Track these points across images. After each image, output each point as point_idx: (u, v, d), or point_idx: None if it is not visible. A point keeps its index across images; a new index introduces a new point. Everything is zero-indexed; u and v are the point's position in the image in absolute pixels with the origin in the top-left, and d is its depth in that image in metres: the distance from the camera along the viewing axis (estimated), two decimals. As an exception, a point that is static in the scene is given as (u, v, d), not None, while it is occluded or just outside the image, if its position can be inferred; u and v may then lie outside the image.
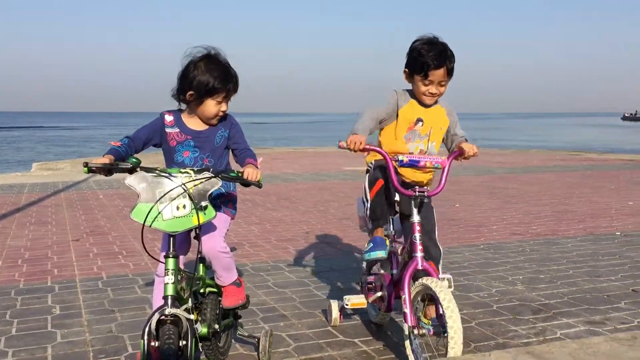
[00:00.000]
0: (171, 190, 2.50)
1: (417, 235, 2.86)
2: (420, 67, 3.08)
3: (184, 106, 2.88)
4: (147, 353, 2.38)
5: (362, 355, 3.21)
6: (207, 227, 2.74)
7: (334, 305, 3.64)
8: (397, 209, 3.40)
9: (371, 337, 3.47)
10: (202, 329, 2.77)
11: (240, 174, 2.66)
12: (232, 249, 3.54)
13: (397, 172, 3.09)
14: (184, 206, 2.50)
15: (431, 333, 2.76)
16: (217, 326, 2.88)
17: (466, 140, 3.22)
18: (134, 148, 2.74)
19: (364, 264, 3.74)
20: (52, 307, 4.05)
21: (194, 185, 2.52)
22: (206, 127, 2.86)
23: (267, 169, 14.18)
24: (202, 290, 2.94)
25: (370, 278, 3.50)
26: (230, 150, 2.96)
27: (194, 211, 2.50)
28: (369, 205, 3.28)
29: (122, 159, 2.60)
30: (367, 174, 3.38)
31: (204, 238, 2.73)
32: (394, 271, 3.25)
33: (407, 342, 2.83)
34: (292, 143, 34.78)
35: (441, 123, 3.28)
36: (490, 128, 73.85)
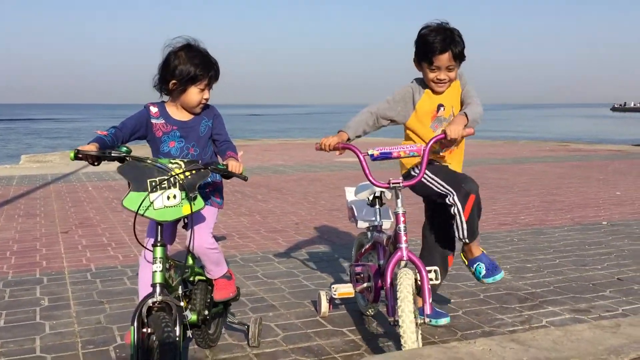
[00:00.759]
0: (163, 179, 2.53)
1: (402, 226, 2.88)
2: (425, 53, 3.06)
3: (166, 98, 2.90)
4: (138, 339, 2.39)
5: (350, 344, 3.23)
6: (194, 223, 2.75)
7: (323, 296, 3.67)
8: (384, 200, 3.43)
9: (359, 327, 3.50)
10: (192, 316, 2.83)
11: (225, 166, 2.72)
12: (221, 238, 3.57)
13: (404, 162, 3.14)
14: (174, 196, 2.54)
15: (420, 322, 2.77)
16: (206, 313, 2.92)
17: (465, 116, 2.98)
18: (121, 138, 2.74)
19: (353, 254, 3.77)
20: (41, 298, 4.05)
21: (184, 176, 2.57)
22: (191, 116, 2.89)
23: (257, 161, 14.17)
24: (191, 279, 2.98)
25: (358, 268, 3.52)
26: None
27: (184, 201, 2.55)
28: (464, 226, 3.13)
29: (108, 148, 2.61)
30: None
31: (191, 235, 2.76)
32: (381, 262, 3.27)
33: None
34: (283, 134, 34.74)
35: (459, 98, 3.22)
36: (481, 119, 74.04)
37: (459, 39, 3.06)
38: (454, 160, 3.32)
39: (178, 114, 2.88)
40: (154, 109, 2.86)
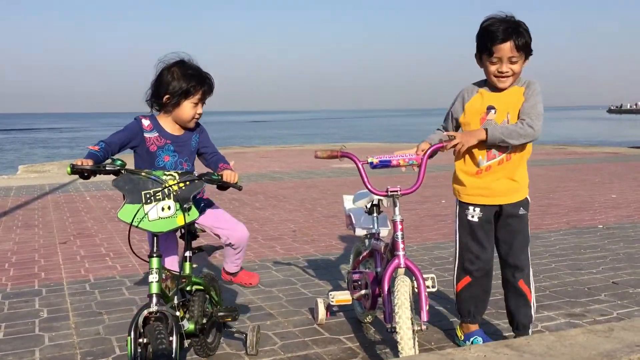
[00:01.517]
0: (157, 191, 2.57)
1: (399, 233, 2.90)
2: (485, 44, 2.88)
3: (156, 112, 2.94)
4: (134, 349, 2.42)
5: (347, 352, 3.26)
6: (218, 218, 3.02)
7: (321, 303, 3.70)
8: (380, 209, 3.46)
9: (356, 334, 3.52)
10: (190, 326, 2.86)
11: (220, 177, 2.77)
12: (219, 248, 3.61)
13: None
14: (169, 207, 2.58)
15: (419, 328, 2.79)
16: (204, 322, 2.95)
17: (485, 132, 2.87)
18: (110, 152, 2.77)
19: (350, 262, 3.80)
20: (40, 310, 4.07)
21: (179, 188, 2.60)
22: (182, 131, 2.95)
23: (254, 168, 14.21)
24: (188, 288, 3.00)
25: (356, 276, 3.55)
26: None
27: (178, 212, 2.59)
28: (455, 297, 3.20)
29: (100, 163, 2.65)
30: (456, 213, 3.20)
31: (228, 232, 3.04)
32: (378, 269, 3.30)
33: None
34: (280, 141, 34.78)
35: (520, 105, 2.96)
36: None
37: (523, 30, 2.86)
38: (505, 172, 3.04)
39: (171, 127, 2.92)
40: (145, 122, 2.89)
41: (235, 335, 3.40)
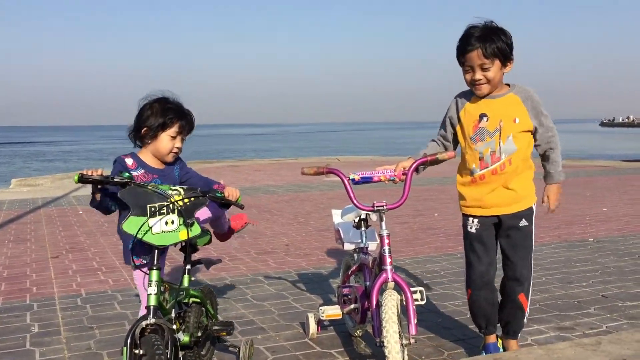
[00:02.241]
0: (162, 205, 2.61)
1: (387, 248, 2.92)
2: (458, 54, 2.91)
3: (136, 150, 2.99)
4: None
5: (338, 366, 3.27)
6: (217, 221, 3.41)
7: (311, 318, 3.71)
8: (369, 223, 3.49)
9: (347, 348, 3.54)
10: (184, 338, 2.88)
11: (222, 195, 2.83)
12: (217, 262, 3.65)
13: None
14: (172, 222, 2.61)
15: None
16: (199, 334, 2.98)
17: (547, 157, 3.05)
18: (109, 197, 2.79)
19: (340, 276, 3.82)
20: (31, 325, 4.06)
21: (183, 203, 2.65)
22: (163, 165, 2.99)
23: (248, 181, 14.22)
24: (185, 300, 3.05)
25: (345, 290, 3.56)
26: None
27: (181, 227, 2.63)
28: (469, 305, 3.20)
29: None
30: (462, 225, 3.19)
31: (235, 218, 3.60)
32: (367, 283, 3.32)
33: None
34: (273, 154, 34.83)
35: (515, 113, 2.94)
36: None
37: (496, 37, 2.83)
38: (501, 182, 3.01)
39: (154, 162, 2.95)
40: (129, 161, 2.91)
41: (229, 349, 3.41)
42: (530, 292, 3.16)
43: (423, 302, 3.11)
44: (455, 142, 3.15)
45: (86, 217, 8.98)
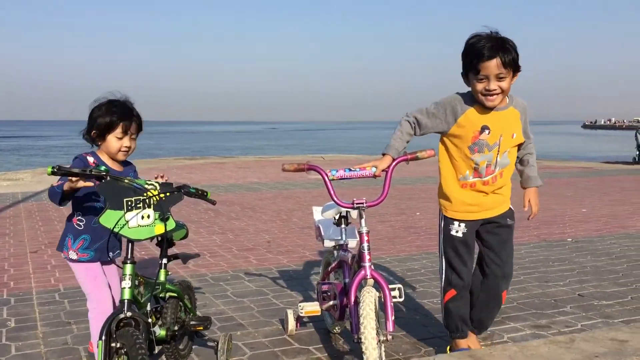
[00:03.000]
0: (139, 199, 2.63)
1: (366, 245, 2.94)
2: (471, 61, 2.81)
3: (95, 149, 3.01)
4: (106, 354, 2.46)
5: (316, 362, 3.28)
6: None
7: (290, 314, 3.72)
8: (349, 220, 3.50)
9: (325, 345, 3.55)
10: (161, 332, 2.93)
11: (196, 190, 2.88)
12: (195, 256, 3.67)
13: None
14: (148, 216, 2.65)
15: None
16: (176, 329, 3.00)
17: (525, 163, 3.14)
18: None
19: (320, 273, 3.83)
20: (7, 319, 4.02)
21: (159, 198, 2.67)
22: (121, 167, 3.01)
23: (232, 178, 14.18)
24: (162, 295, 3.07)
25: (325, 287, 3.57)
26: None
27: (157, 221, 2.66)
28: (442, 311, 3.19)
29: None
30: (440, 227, 3.18)
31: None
32: (346, 280, 3.33)
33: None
34: (258, 152, 34.75)
35: (514, 129, 2.97)
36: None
37: (509, 46, 2.79)
38: (493, 188, 3.06)
39: (111, 163, 2.97)
40: (90, 159, 2.92)
41: (208, 343, 3.42)
42: None
43: (401, 299, 3.14)
44: (429, 131, 3.06)
45: (66, 212, 8.86)
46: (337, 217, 3.50)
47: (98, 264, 2.93)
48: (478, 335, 3.30)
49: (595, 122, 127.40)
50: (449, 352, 3.26)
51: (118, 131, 2.89)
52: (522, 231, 7.20)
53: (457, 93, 3.02)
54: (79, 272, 2.94)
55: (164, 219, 2.67)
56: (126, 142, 2.93)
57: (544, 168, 17.23)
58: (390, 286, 2.95)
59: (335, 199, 3.01)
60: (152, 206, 2.65)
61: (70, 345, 3.54)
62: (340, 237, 3.48)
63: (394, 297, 3.00)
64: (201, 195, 2.91)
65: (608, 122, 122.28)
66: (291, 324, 3.69)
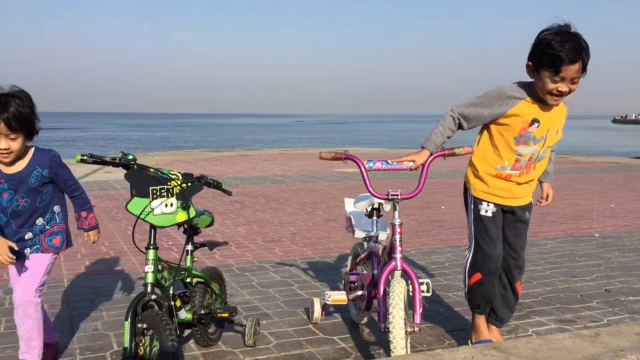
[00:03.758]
0: (163, 188, 2.74)
1: (398, 237, 2.95)
2: (552, 61, 2.70)
3: None
4: (132, 334, 2.55)
5: (340, 352, 3.32)
6: (22, 270, 2.89)
7: (317, 302, 3.76)
8: (381, 212, 3.52)
9: (350, 335, 3.59)
10: (188, 315, 3.04)
11: (214, 181, 3.00)
12: (223, 243, 3.76)
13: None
14: (171, 204, 2.75)
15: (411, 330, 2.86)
16: (202, 312, 3.11)
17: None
18: None
19: (348, 263, 3.87)
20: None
21: (181, 188, 2.77)
22: (20, 168, 2.78)
23: (257, 171, 14.28)
24: (188, 280, 3.18)
25: (353, 277, 3.61)
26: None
27: (179, 210, 2.77)
28: (466, 288, 3.19)
29: None
30: (466, 201, 3.20)
31: (16, 285, 2.89)
32: (375, 271, 3.36)
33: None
34: (282, 144, 34.86)
35: (560, 125, 2.98)
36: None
37: (587, 46, 2.73)
38: (527, 178, 3.06)
39: (4, 166, 2.77)
40: None
41: (235, 327, 3.51)
42: None
43: (429, 294, 3.16)
44: (478, 123, 3.03)
45: (96, 202, 9.06)
46: (369, 208, 3.53)
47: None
48: (500, 328, 3.30)
49: (626, 116, 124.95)
50: (470, 344, 3.28)
51: None
52: (549, 226, 7.15)
53: (514, 83, 2.97)
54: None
55: (185, 207, 2.77)
56: (2, 144, 2.60)
57: (571, 163, 17.01)
58: (420, 280, 2.96)
59: (371, 189, 3.04)
60: (175, 195, 2.75)
61: (101, 331, 3.63)
62: (371, 229, 3.50)
63: (422, 291, 3.03)
64: (217, 185, 3.03)
65: (639, 117, 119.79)
66: (317, 311, 3.73)
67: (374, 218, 3.53)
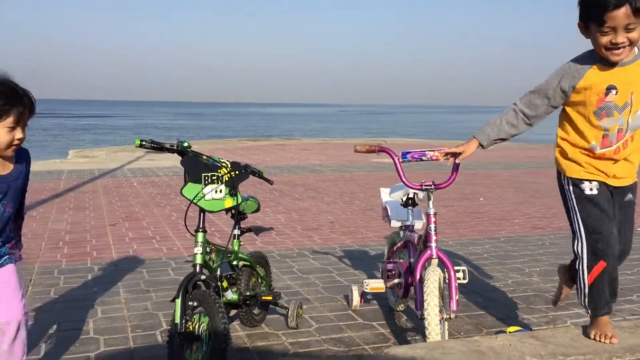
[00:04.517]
0: (214, 175, 2.92)
1: (432, 226, 3.03)
2: (595, 11, 2.41)
3: None
4: (182, 311, 2.69)
5: (379, 337, 3.42)
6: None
7: (355, 290, 3.87)
8: (416, 202, 3.59)
9: (388, 321, 3.68)
10: (234, 296, 3.20)
11: (258, 170, 3.17)
12: (269, 229, 3.94)
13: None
14: (220, 190, 2.93)
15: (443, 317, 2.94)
16: (247, 294, 3.28)
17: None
18: None
19: (385, 252, 3.96)
20: (93, 286, 4.35)
21: (230, 175, 2.96)
22: (10, 168, 2.36)
23: (295, 160, 14.43)
24: (235, 262, 3.38)
25: (390, 265, 3.69)
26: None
27: (227, 196, 2.95)
28: (584, 289, 2.69)
29: None
30: (562, 186, 2.82)
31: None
32: (411, 259, 3.44)
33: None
34: (320, 134, 34.97)
35: None
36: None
37: None
38: (623, 155, 2.65)
39: None
40: None
41: (278, 309, 3.65)
42: None
43: (465, 281, 3.22)
44: (548, 112, 2.75)
45: (140, 189, 9.35)
46: (404, 198, 3.60)
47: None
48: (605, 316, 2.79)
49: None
50: (508, 333, 3.31)
51: (9, 121, 2.24)
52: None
53: (576, 60, 2.64)
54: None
55: (233, 194, 2.94)
56: (19, 133, 2.28)
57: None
58: (455, 268, 3.04)
59: (404, 180, 3.11)
60: (224, 182, 2.92)
61: (150, 311, 3.81)
62: (407, 218, 3.58)
63: (458, 278, 3.09)
64: (259, 174, 3.20)
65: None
66: (356, 299, 3.83)
67: (410, 207, 3.60)
